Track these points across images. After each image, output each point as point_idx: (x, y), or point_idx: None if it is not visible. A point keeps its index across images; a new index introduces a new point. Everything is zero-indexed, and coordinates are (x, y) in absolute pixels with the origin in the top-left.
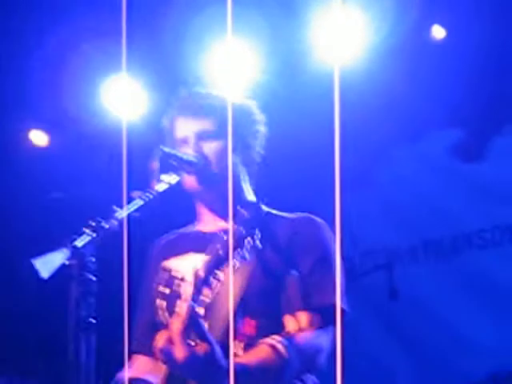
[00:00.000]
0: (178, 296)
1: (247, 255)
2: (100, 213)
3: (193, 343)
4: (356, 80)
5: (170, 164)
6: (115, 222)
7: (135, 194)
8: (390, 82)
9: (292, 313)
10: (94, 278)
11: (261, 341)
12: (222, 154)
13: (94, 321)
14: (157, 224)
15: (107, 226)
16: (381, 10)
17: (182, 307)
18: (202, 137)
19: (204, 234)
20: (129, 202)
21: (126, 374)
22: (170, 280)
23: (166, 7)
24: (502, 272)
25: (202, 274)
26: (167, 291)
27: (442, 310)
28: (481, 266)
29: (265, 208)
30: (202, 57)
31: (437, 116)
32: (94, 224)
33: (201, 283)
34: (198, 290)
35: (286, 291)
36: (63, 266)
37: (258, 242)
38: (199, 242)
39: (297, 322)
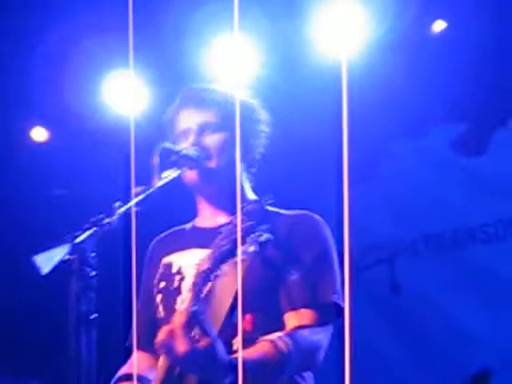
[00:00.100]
0: (177, 291)
1: (253, 248)
2: (102, 209)
3: (195, 337)
4: (357, 74)
5: (171, 160)
6: (116, 217)
7: (136, 189)
8: (391, 77)
9: (291, 310)
10: (94, 273)
11: (261, 338)
12: (224, 146)
13: (94, 316)
14: (159, 219)
15: (108, 221)
16: (382, 4)
17: (184, 301)
18: (203, 128)
19: (203, 229)
20: (130, 198)
21: (135, 369)
22: (169, 276)
23: (167, 3)
24: (505, 266)
25: (205, 266)
26: (166, 287)
27: (444, 304)
28: (484, 261)
29: (271, 208)
30: (204, 52)
31: (438, 110)
32: (94, 219)
33: (204, 276)
34: (201, 283)
35: (284, 288)
36: (64, 261)
37: (265, 236)
38: (198, 238)
39: (297, 319)
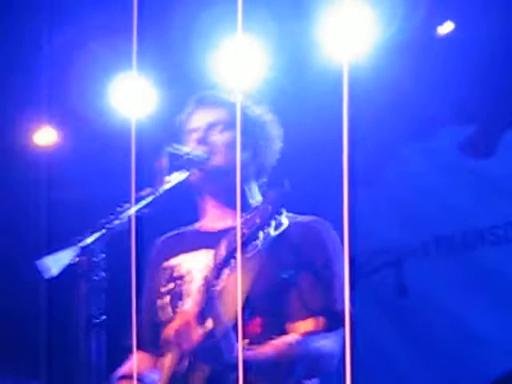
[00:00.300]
0: (186, 293)
1: (273, 232)
2: (109, 211)
3: (207, 327)
4: (364, 77)
5: (179, 161)
6: (124, 219)
7: (144, 191)
8: (398, 79)
9: (302, 316)
10: (103, 275)
11: (275, 339)
12: (231, 145)
13: (103, 317)
14: (166, 221)
15: (116, 223)
16: (389, 7)
17: (199, 290)
18: (212, 127)
19: (209, 231)
20: (138, 200)
21: (135, 368)
22: (178, 277)
23: (174, 5)
24: None
25: (223, 253)
26: (174, 288)
27: (453, 306)
28: (493, 262)
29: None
30: (212, 54)
31: (446, 112)
32: (103, 221)
33: (221, 264)
34: (217, 271)
35: (294, 293)
36: (72, 263)
37: (284, 219)
38: (206, 240)
39: (307, 325)
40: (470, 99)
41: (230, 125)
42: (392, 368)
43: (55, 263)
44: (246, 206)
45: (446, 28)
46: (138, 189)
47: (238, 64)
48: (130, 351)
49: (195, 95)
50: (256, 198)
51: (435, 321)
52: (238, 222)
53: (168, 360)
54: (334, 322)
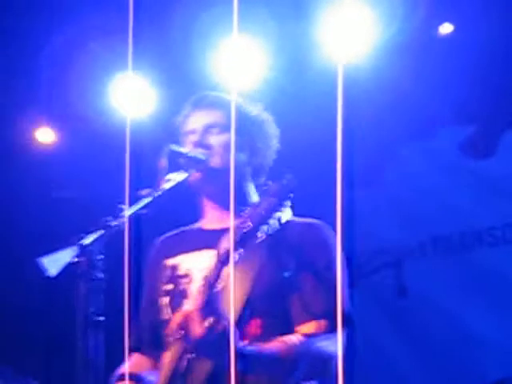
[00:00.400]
0: (185, 294)
1: (277, 224)
2: (109, 211)
3: (210, 321)
4: (363, 77)
5: (178, 162)
6: (123, 220)
7: (144, 192)
8: (398, 79)
9: (302, 320)
10: (102, 276)
11: (278, 338)
12: (228, 147)
13: (102, 318)
14: (165, 221)
15: (115, 224)
16: (388, 7)
17: (201, 288)
18: (209, 129)
19: (210, 231)
20: (137, 201)
21: (127, 369)
22: (177, 278)
23: (172, 5)
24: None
25: (224, 249)
26: (173, 289)
27: (452, 307)
28: (491, 264)
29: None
30: (211, 54)
31: (446, 112)
32: (102, 222)
33: (222, 262)
34: (220, 266)
35: (295, 295)
36: (71, 263)
37: (288, 211)
38: (205, 240)
39: (309, 328)
40: (470, 99)
41: (227, 126)
42: (391, 368)
43: (54, 263)
44: (244, 207)
45: (446, 28)
46: (137, 189)
47: (237, 64)
48: (128, 351)
49: (192, 97)
50: (254, 198)
51: (434, 321)
52: (232, 223)
53: (169, 355)
54: (335, 323)
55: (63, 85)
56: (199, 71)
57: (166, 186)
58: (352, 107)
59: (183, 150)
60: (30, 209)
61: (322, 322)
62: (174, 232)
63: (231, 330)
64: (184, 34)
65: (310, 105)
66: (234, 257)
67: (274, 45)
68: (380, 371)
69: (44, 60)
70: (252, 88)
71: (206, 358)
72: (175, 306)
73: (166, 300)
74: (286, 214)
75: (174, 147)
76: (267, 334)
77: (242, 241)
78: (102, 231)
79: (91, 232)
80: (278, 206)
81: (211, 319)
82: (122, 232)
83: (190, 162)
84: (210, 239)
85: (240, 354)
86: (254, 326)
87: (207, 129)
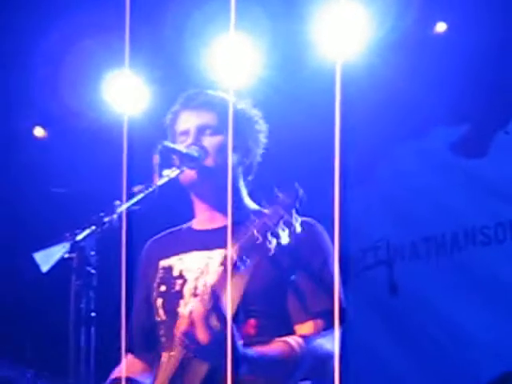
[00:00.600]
0: (179, 295)
1: (285, 238)
2: (102, 207)
3: (216, 328)
4: (358, 75)
5: (171, 158)
6: (116, 216)
7: (136, 188)
8: (392, 78)
9: (299, 319)
10: (93, 272)
11: (277, 339)
12: (222, 149)
13: (93, 314)
14: (158, 218)
15: (107, 220)
16: (383, 5)
17: (202, 300)
18: (202, 130)
19: (201, 231)
20: (130, 197)
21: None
22: (170, 279)
23: (167, 3)
24: (504, 269)
25: (234, 258)
26: (167, 290)
27: (443, 306)
28: (483, 263)
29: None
30: (204, 52)
31: (439, 112)
32: (94, 218)
33: (231, 268)
34: (226, 276)
35: (290, 295)
36: (63, 259)
37: (297, 225)
38: (197, 241)
39: (307, 328)
40: (464, 99)
41: (220, 128)
42: (382, 367)
43: (46, 259)
44: (236, 208)
45: (440, 28)
46: (130, 185)
47: (232, 62)
48: (119, 351)
49: (182, 94)
50: (246, 199)
51: (425, 320)
52: (229, 224)
53: (169, 357)
54: (331, 321)
55: (58, 81)
56: (193, 68)
57: (159, 182)
58: (346, 105)
59: (176, 146)
60: (23, 204)
61: (319, 321)
62: (166, 232)
63: (230, 333)
64: (178, 31)
65: (304, 103)
66: (239, 267)
67: (269, 43)
68: (371, 370)
69: (39, 57)
70: (246, 86)
71: (209, 362)
72: (169, 307)
73: (159, 302)
74: (296, 227)
75: (168, 144)
76: (265, 334)
77: (251, 252)
78: (94, 227)
79: (84, 228)
80: (288, 219)
81: (217, 326)
82: (114, 228)
83: (183, 159)
84: (201, 240)
85: (243, 359)
86: (251, 326)
87: (200, 130)
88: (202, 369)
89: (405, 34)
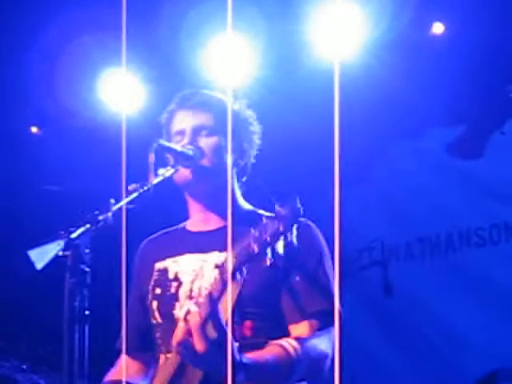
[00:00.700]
0: (174, 298)
1: (280, 249)
2: (97, 206)
3: (213, 337)
4: (354, 75)
5: (167, 157)
6: (110, 214)
7: (131, 187)
8: (389, 78)
9: (294, 320)
10: (87, 270)
11: (272, 342)
12: (217, 149)
13: (87, 312)
14: (153, 217)
15: (102, 218)
16: (379, 5)
17: (197, 303)
18: (198, 131)
19: (196, 233)
20: (125, 195)
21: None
22: (165, 282)
23: (163, 2)
24: (498, 270)
25: (229, 268)
26: (162, 293)
27: (438, 306)
28: (478, 264)
29: (261, 212)
30: (200, 52)
31: (435, 112)
32: (89, 216)
33: (226, 279)
34: (223, 284)
35: (286, 296)
36: (58, 257)
37: (294, 239)
38: (192, 243)
39: (301, 329)
40: (460, 100)
41: (216, 129)
42: (377, 367)
43: (41, 256)
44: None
45: (436, 28)
46: (125, 184)
47: (228, 62)
48: (113, 350)
49: (178, 94)
50: (240, 200)
51: (420, 321)
52: (229, 230)
53: (166, 361)
54: (325, 322)
55: (54, 80)
56: (189, 68)
57: (154, 181)
58: (342, 105)
59: (172, 145)
60: (18, 202)
61: (314, 322)
62: (161, 232)
63: (230, 341)
64: (174, 31)
65: (300, 103)
66: (236, 276)
67: (264, 43)
68: (365, 370)
69: (35, 55)
70: (242, 86)
71: (205, 370)
72: (164, 310)
73: (154, 304)
74: (293, 239)
75: (163, 142)
76: (260, 336)
77: (247, 262)
78: (89, 225)
79: (78, 226)
80: (285, 232)
81: (213, 334)
82: (109, 226)
83: (178, 158)
84: (196, 242)
85: (240, 366)
86: (247, 328)
87: (196, 130)
88: (199, 372)
89: (401, 34)
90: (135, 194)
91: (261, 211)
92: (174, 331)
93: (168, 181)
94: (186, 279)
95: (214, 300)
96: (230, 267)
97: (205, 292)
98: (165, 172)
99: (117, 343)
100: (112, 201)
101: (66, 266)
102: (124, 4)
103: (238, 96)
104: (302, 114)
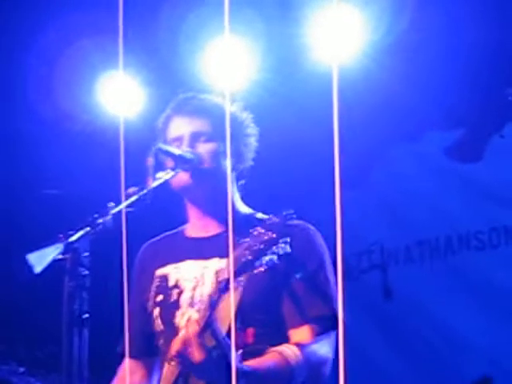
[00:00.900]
0: (176, 305)
1: (275, 260)
2: (96, 209)
3: (210, 346)
4: (353, 78)
5: (166, 161)
6: (109, 217)
7: (130, 190)
8: (388, 81)
9: (295, 325)
10: (87, 273)
11: (272, 349)
12: (216, 155)
13: (86, 315)
14: (152, 220)
15: (101, 221)
16: (378, 8)
17: (199, 311)
18: (196, 137)
19: (196, 239)
20: (124, 199)
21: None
22: (166, 289)
23: (162, 5)
24: (498, 274)
25: (225, 277)
26: (164, 300)
27: (437, 310)
28: (477, 268)
29: (260, 215)
30: (199, 55)
31: (434, 115)
32: (88, 219)
33: (223, 286)
34: (219, 293)
35: (286, 302)
36: (57, 260)
37: (287, 247)
38: (192, 249)
39: (301, 334)
40: (459, 103)
41: (214, 135)
42: (377, 371)
43: (40, 260)
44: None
45: (435, 31)
46: (124, 188)
47: (226, 65)
48: (117, 352)
49: (174, 99)
50: (238, 203)
51: (419, 324)
52: (230, 232)
53: (168, 368)
54: (325, 326)
55: (52, 83)
56: (188, 71)
57: (153, 184)
58: (341, 109)
59: (170, 148)
60: (17, 205)
61: (314, 327)
62: (161, 237)
63: (230, 348)
64: (172, 34)
65: (299, 106)
66: (233, 285)
67: (263, 46)
68: (365, 374)
69: (33, 59)
70: (241, 89)
71: (204, 380)
72: (166, 317)
73: (156, 311)
74: (285, 249)
75: (162, 146)
76: (262, 342)
77: (242, 271)
78: (88, 228)
79: (77, 229)
80: (277, 242)
81: (210, 344)
82: (108, 230)
83: (177, 161)
84: (196, 248)
85: (240, 374)
86: (250, 335)
87: (194, 137)
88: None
89: (400, 37)
90: (134, 198)
91: (259, 214)
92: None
93: (167, 184)
94: (187, 286)
95: (211, 308)
96: (231, 274)
97: (205, 299)
98: (164, 175)
99: (118, 347)
100: (111, 204)
101: (65, 269)
102: (121, 7)
103: (236, 99)
104: (301, 116)
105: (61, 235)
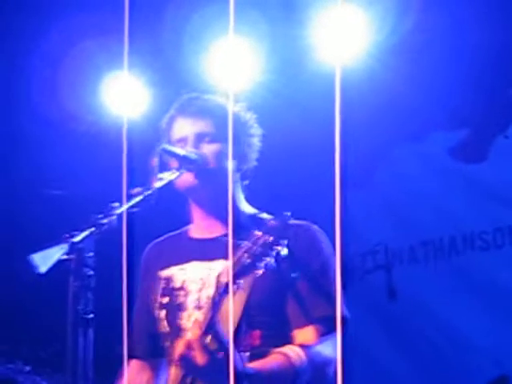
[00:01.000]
0: (182, 307)
1: (273, 263)
2: (100, 209)
3: (213, 349)
4: (357, 79)
5: (170, 161)
6: (114, 218)
7: (135, 190)
8: (392, 82)
9: (299, 325)
10: (92, 273)
11: (276, 350)
12: (220, 156)
13: (91, 315)
14: (157, 220)
15: (106, 221)
16: (382, 9)
17: (190, 316)
18: (200, 138)
19: (200, 240)
20: (129, 199)
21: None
22: (172, 291)
23: (166, 6)
24: (503, 274)
25: (226, 280)
26: (170, 302)
27: (442, 310)
28: (482, 268)
29: (264, 216)
30: (203, 55)
31: (439, 116)
32: (93, 219)
33: (224, 289)
34: (220, 296)
35: (290, 303)
36: (61, 260)
37: (285, 250)
38: (197, 250)
39: (305, 335)
40: (464, 103)
41: (218, 136)
42: (381, 371)
43: (44, 260)
44: (234, 215)
45: (439, 32)
46: (129, 188)
47: (230, 66)
48: (118, 354)
49: (178, 99)
50: (243, 204)
51: (424, 325)
52: (230, 234)
53: (173, 373)
54: (330, 327)
55: (56, 83)
56: (192, 72)
57: (158, 185)
58: (345, 109)
59: (175, 149)
60: (21, 206)
61: (318, 327)
62: (166, 237)
63: (232, 351)
64: (177, 34)
65: (303, 107)
66: (232, 287)
67: (267, 47)
68: (369, 374)
69: (37, 59)
70: (245, 90)
71: (208, 383)
72: (172, 319)
73: (162, 313)
74: (283, 252)
75: (167, 146)
76: (267, 344)
77: (241, 273)
78: (93, 229)
79: (82, 229)
80: (275, 245)
81: (213, 346)
82: (112, 230)
83: (181, 162)
84: (202, 250)
85: (243, 376)
86: (256, 337)
87: (199, 138)
88: None
89: (404, 38)
90: (139, 198)
91: (263, 215)
92: None
93: (172, 184)
94: (193, 288)
95: (212, 311)
96: (230, 277)
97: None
98: (169, 176)
99: (120, 348)
100: (115, 204)
101: (69, 269)
102: (127, 8)
103: (240, 99)
104: (304, 117)
105: (65, 235)
